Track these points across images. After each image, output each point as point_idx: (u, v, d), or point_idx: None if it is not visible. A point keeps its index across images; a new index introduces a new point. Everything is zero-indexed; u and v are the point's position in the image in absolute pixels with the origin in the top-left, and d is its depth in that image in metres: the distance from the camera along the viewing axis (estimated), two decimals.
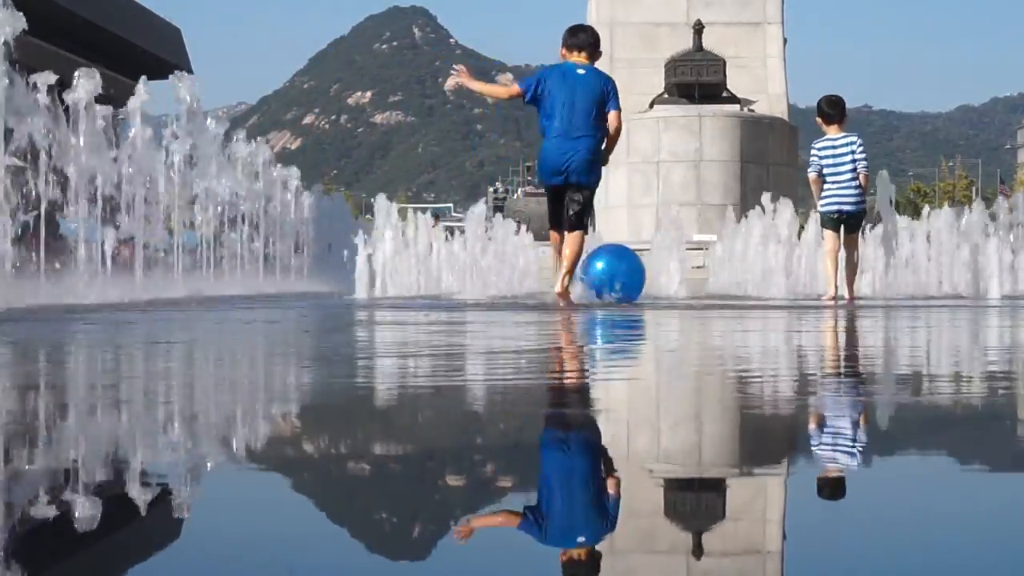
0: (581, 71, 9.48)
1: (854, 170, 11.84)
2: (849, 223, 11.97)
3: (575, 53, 9.60)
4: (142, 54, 41.91)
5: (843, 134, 11.97)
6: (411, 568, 1.49)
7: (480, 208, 14.50)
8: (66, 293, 12.00)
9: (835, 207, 11.92)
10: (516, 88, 9.83)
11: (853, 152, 11.84)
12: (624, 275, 10.24)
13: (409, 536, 1.65)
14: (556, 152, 9.44)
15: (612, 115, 9.48)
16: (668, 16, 22.38)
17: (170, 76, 18.07)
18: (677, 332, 6.90)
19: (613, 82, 9.65)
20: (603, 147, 9.56)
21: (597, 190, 9.85)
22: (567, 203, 9.43)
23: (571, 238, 9.43)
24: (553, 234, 9.76)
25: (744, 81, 21.45)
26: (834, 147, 11.93)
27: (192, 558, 1.52)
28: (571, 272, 9.51)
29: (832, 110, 12.05)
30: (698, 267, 14.82)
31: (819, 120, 12.14)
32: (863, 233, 12.97)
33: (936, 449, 2.48)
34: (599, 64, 9.83)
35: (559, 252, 9.61)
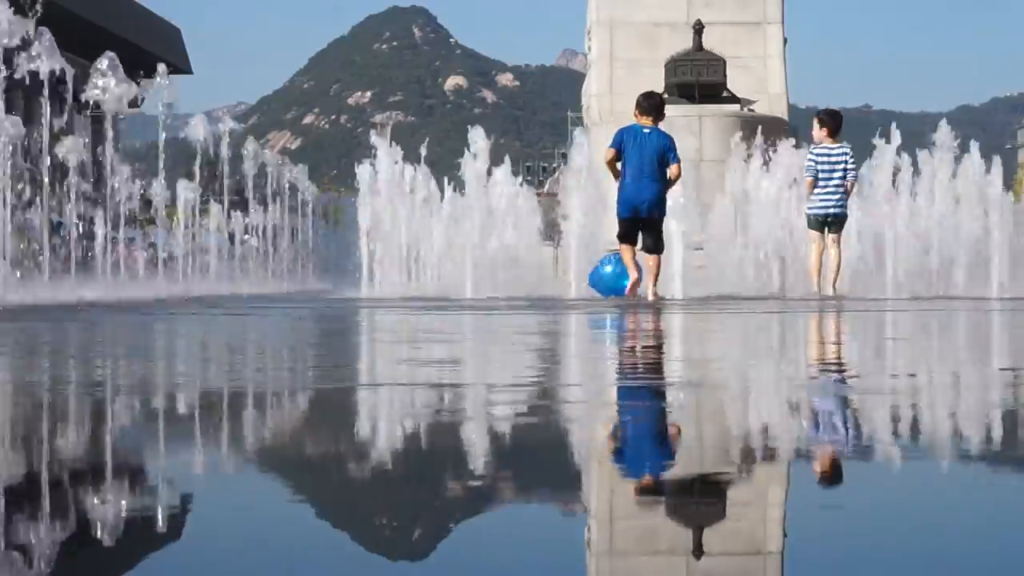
0: (647, 131, 11.92)
1: (843, 177, 13.01)
2: (833, 225, 12.99)
3: (644, 117, 12.06)
4: (142, 54, 41.88)
5: (838, 144, 13.14)
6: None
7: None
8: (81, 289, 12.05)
9: (822, 210, 12.98)
10: (612, 152, 12.05)
11: (846, 161, 13.04)
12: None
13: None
14: (631, 192, 11.86)
15: (673, 168, 11.91)
16: (668, 16, 22.37)
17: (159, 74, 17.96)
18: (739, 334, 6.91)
19: (672, 139, 12.08)
20: (666, 188, 12.09)
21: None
22: (646, 234, 11.91)
23: (652, 260, 11.93)
24: (624, 247, 12.00)
25: (744, 81, 21.45)
26: (829, 155, 13.03)
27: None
28: (656, 281, 11.93)
29: (832, 122, 13.25)
30: (699, 267, 14.82)
31: (820, 128, 13.18)
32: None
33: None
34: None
35: (632, 264, 11.86)
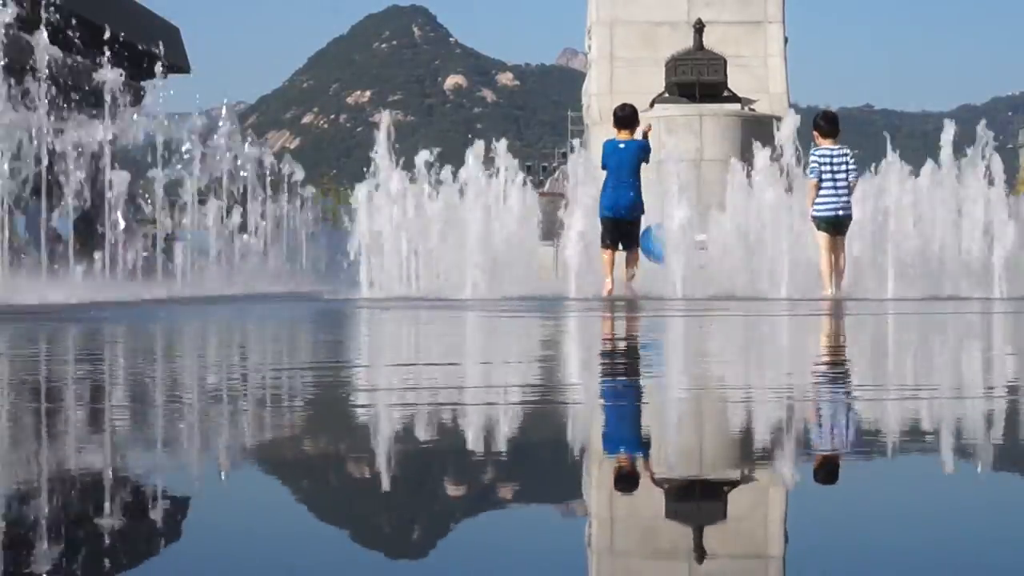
0: (622, 145, 13.45)
1: (847, 178, 13.16)
2: (840, 227, 13.13)
3: (620, 131, 13.52)
4: (142, 54, 41.75)
5: (838, 146, 13.31)
6: None
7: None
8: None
9: (832, 212, 13.07)
10: (603, 170, 13.57)
11: (847, 163, 13.20)
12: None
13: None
14: (612, 197, 13.34)
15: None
16: (669, 15, 22.32)
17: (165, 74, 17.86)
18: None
19: (647, 144, 13.59)
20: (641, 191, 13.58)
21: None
22: (621, 233, 13.30)
23: (629, 257, 13.29)
24: (604, 251, 13.31)
25: (745, 80, 21.39)
26: (831, 157, 13.17)
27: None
28: (633, 274, 13.20)
29: (829, 126, 13.42)
30: (700, 267, 14.78)
31: (815, 133, 13.42)
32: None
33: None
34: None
35: (611, 263, 13.22)
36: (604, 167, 13.56)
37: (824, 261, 13.02)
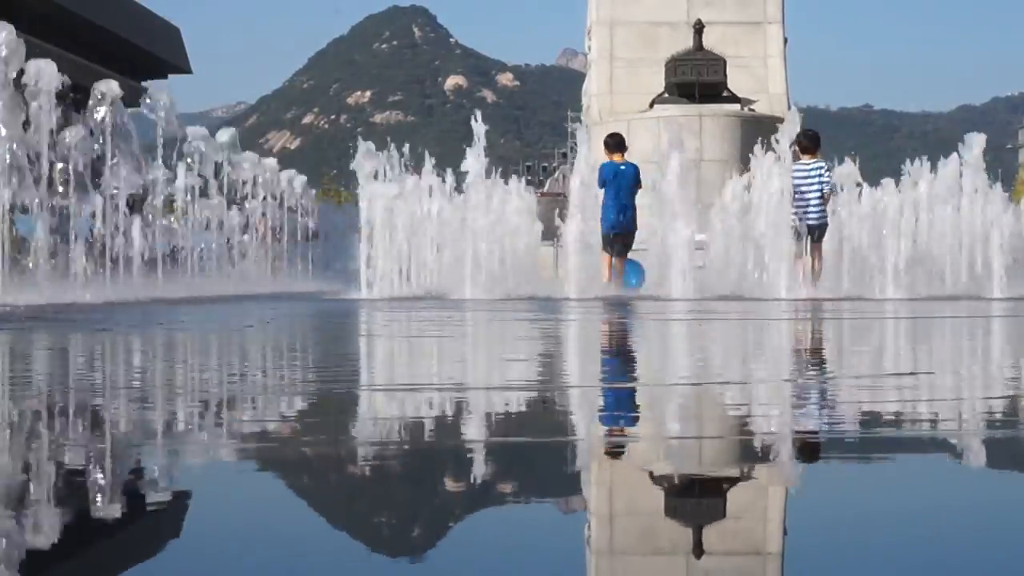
0: (623, 167, 14.96)
1: (820, 190, 13.98)
2: (813, 234, 13.99)
3: (615, 154, 15.05)
4: (142, 54, 41.87)
5: (814, 160, 14.15)
6: None
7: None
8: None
9: (802, 221, 13.90)
10: (601, 190, 14.92)
11: (820, 175, 14.06)
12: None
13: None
14: (613, 214, 14.73)
15: (639, 190, 15.04)
16: (668, 15, 22.34)
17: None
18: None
19: (639, 168, 15.05)
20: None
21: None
22: (620, 244, 14.82)
23: (620, 261, 14.88)
24: (603, 255, 14.81)
25: (744, 81, 21.42)
26: (807, 171, 14.05)
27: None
28: (621, 276, 14.73)
29: (808, 142, 14.33)
30: (699, 267, 14.84)
31: (796, 148, 14.29)
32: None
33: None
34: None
35: (609, 265, 14.74)
36: (603, 186, 14.77)
37: (795, 264, 13.74)
